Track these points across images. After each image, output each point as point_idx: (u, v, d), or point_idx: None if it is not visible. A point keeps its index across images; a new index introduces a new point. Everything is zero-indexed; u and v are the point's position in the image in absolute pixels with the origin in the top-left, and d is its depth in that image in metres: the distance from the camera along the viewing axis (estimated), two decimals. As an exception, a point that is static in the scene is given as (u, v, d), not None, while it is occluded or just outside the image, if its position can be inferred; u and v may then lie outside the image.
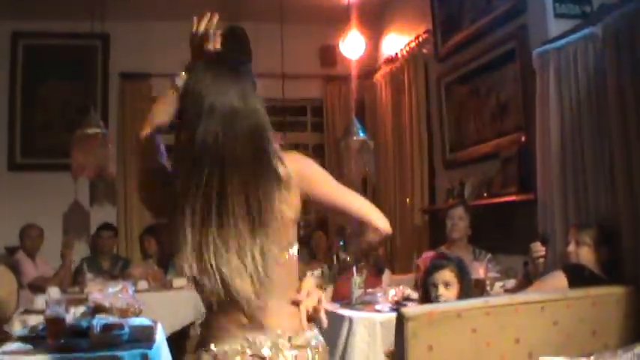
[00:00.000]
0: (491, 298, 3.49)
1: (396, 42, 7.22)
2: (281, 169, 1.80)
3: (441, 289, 3.45)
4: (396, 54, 7.02)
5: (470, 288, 3.52)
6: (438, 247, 5.22)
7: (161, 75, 7.44)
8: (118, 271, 6.21)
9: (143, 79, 7.53)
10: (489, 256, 4.85)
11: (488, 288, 4.02)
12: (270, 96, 5.52)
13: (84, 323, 3.27)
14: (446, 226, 5.08)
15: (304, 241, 6.53)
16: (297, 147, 7.76)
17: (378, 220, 1.93)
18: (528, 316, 3.02)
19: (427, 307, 3.10)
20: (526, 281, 3.86)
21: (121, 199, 7.44)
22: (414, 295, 4.21)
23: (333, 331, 3.74)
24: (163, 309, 5.14)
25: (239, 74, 1.84)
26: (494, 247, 4.97)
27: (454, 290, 3.44)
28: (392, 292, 4.13)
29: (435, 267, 3.55)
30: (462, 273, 3.49)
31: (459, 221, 5.01)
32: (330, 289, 4.47)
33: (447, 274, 3.46)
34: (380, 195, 7.27)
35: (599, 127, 3.78)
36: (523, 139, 4.81)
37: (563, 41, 4.09)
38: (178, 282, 5.75)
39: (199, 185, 1.74)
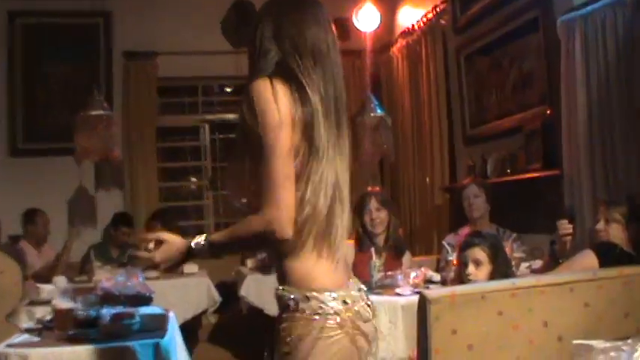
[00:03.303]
0: (517, 279, 3.46)
1: (413, 13, 7.16)
2: None
3: (470, 268, 3.49)
4: (413, 26, 6.96)
5: (506, 269, 3.54)
6: (459, 227, 5.20)
7: (168, 53, 7.45)
8: (127, 258, 6.21)
9: (148, 58, 7.52)
10: (514, 235, 4.82)
11: (514, 269, 4.00)
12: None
13: (93, 313, 3.28)
14: (464, 207, 5.08)
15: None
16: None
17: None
18: (557, 297, 2.99)
19: (450, 289, 3.09)
20: (553, 261, 3.83)
21: (128, 183, 7.46)
22: (437, 277, 4.24)
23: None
24: (175, 296, 5.18)
25: None
26: (518, 226, 4.94)
27: (485, 270, 3.47)
28: (413, 274, 4.13)
29: (466, 244, 3.59)
30: (495, 252, 3.51)
31: (474, 199, 4.99)
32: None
33: (477, 252, 3.50)
34: (399, 174, 7.27)
35: (628, 98, 3.74)
36: (548, 112, 4.77)
37: (589, 8, 4.05)
38: (190, 268, 5.76)
39: None
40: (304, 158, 1.81)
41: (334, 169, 1.86)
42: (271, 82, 1.80)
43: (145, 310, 3.48)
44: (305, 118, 1.81)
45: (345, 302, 1.82)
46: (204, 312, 5.87)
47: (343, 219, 1.89)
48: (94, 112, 6.00)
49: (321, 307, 1.78)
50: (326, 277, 1.84)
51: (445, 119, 6.47)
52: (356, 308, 1.84)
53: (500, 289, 2.97)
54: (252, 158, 1.81)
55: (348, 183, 1.94)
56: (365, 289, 1.96)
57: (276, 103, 1.77)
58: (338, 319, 1.79)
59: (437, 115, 6.52)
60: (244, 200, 1.91)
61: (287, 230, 1.76)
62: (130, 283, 3.84)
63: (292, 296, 1.80)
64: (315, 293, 1.79)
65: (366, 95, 6.51)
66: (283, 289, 1.83)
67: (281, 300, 1.83)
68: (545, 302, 2.97)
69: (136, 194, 7.44)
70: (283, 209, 1.74)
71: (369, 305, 1.91)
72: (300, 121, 1.80)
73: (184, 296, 5.42)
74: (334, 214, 1.85)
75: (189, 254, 1.92)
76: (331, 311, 1.79)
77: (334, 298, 1.81)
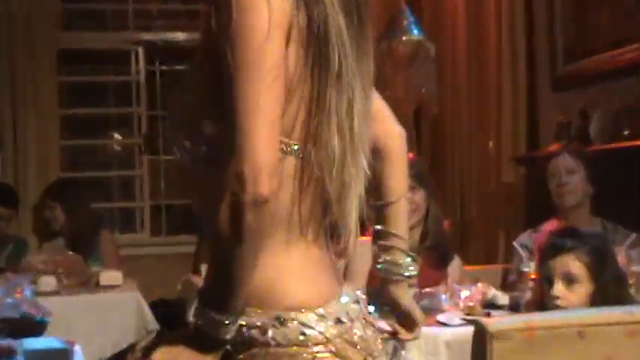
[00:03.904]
0: (637, 307, 3.46)
1: None
2: None
3: (559, 287, 3.50)
4: None
5: (618, 290, 3.53)
6: (541, 220, 5.16)
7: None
8: (5, 260, 6.20)
9: None
10: (633, 236, 4.81)
11: (631, 290, 3.97)
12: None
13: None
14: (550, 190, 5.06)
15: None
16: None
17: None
18: None
19: (525, 319, 3.16)
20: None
21: (9, 139, 7.45)
22: (503, 298, 4.28)
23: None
24: (85, 321, 5.19)
25: None
26: (640, 222, 4.91)
27: (582, 290, 3.47)
28: (465, 293, 4.19)
29: (553, 249, 3.58)
30: (600, 263, 3.50)
31: (567, 177, 4.95)
32: None
33: (571, 263, 3.49)
34: (445, 133, 7.33)
35: None
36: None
37: None
38: (109, 277, 5.72)
39: None
40: (312, 86, 1.76)
41: (357, 106, 1.82)
42: None
43: (34, 343, 3.47)
44: (313, 26, 1.75)
45: (339, 321, 1.80)
46: (132, 346, 5.85)
47: (360, 187, 1.86)
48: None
49: (303, 334, 1.75)
50: (311, 286, 1.81)
51: (523, 50, 6.54)
52: (357, 332, 1.84)
53: (608, 323, 3.04)
54: (221, 91, 1.70)
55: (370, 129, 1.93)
56: (364, 297, 1.96)
57: None
58: (333, 350, 1.77)
59: (509, 43, 6.57)
60: (189, 145, 1.81)
61: (260, 184, 1.59)
62: (10, 300, 3.86)
63: (256, 322, 1.74)
64: (292, 313, 1.75)
65: (397, 8, 6.45)
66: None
67: (237, 332, 1.73)
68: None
69: (22, 157, 7.42)
70: (256, 154, 1.60)
71: (373, 325, 1.95)
72: (304, 31, 1.75)
73: (101, 321, 5.41)
74: (348, 178, 1.81)
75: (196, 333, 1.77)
76: (319, 338, 1.76)
77: (322, 317, 1.78)
